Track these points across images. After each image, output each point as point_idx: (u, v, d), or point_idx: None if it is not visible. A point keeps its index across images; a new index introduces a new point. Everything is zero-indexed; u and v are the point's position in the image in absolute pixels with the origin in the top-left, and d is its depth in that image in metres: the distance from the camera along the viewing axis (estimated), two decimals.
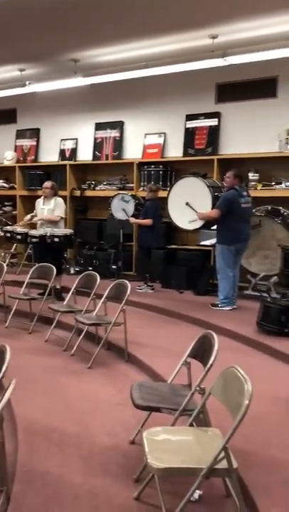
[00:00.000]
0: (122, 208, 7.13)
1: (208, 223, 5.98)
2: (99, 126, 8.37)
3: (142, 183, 7.60)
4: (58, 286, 6.08)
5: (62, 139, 8.82)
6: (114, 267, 7.37)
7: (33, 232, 6.41)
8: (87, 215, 8.62)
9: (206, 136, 7.30)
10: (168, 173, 7.50)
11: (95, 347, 4.48)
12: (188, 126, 7.46)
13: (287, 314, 4.69)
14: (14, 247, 8.35)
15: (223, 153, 7.14)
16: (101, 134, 8.35)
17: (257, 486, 2.40)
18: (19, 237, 6.71)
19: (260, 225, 6.22)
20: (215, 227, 5.96)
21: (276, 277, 6.09)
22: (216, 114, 7.22)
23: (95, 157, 8.41)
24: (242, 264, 6.18)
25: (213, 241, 6.22)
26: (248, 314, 5.26)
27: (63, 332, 5.15)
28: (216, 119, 7.22)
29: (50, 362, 4.46)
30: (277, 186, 6.51)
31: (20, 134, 9.35)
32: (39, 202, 6.73)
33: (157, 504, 2.27)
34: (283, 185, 6.46)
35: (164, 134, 7.72)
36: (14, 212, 9.09)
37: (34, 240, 6.32)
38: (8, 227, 7.17)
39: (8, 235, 6.89)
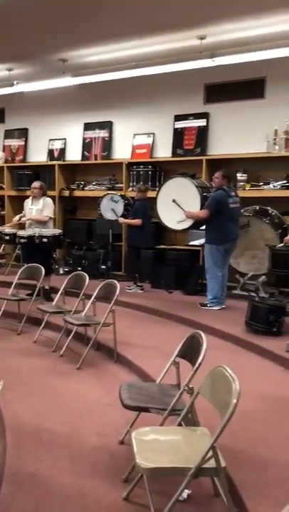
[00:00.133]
0: (111, 208, 7.12)
1: (196, 223, 6.00)
2: (88, 127, 8.36)
3: (131, 183, 7.61)
4: (46, 287, 6.06)
5: (50, 139, 8.79)
6: (103, 267, 7.36)
7: (21, 232, 6.38)
8: (76, 215, 8.60)
9: (195, 136, 7.32)
10: (157, 173, 7.51)
11: (84, 347, 4.48)
12: (176, 126, 7.48)
13: (275, 314, 4.72)
14: (2, 247, 8.30)
15: (211, 154, 7.17)
16: (90, 134, 8.34)
17: (245, 485, 2.41)
18: (7, 237, 6.67)
19: (249, 225, 6.25)
20: (204, 227, 5.98)
21: (264, 277, 6.13)
22: (204, 115, 7.25)
23: (83, 157, 8.39)
24: (231, 263, 6.22)
25: (201, 241, 6.24)
26: (237, 314, 5.29)
27: (52, 333, 5.14)
28: (205, 120, 7.24)
29: (39, 363, 4.44)
30: (266, 186, 6.56)
31: (9, 134, 9.30)
32: (27, 202, 6.70)
33: (146, 504, 2.27)
34: (271, 186, 6.51)
35: (153, 134, 7.73)
36: (2, 213, 9.04)
37: (22, 240, 6.29)
38: None
39: None
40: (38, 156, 8.95)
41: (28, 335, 5.22)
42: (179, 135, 7.45)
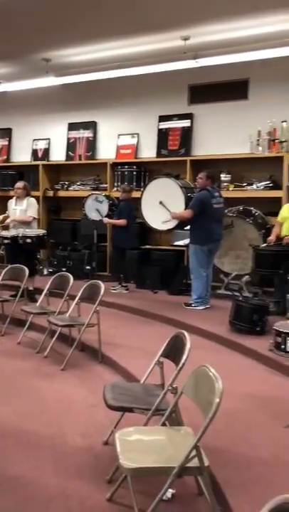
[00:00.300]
0: (95, 209, 7.10)
1: (181, 224, 6.02)
2: (72, 127, 8.33)
3: (116, 184, 7.60)
4: (30, 288, 6.02)
5: (34, 139, 8.73)
6: (88, 267, 7.34)
7: (4, 233, 6.33)
8: (61, 215, 8.56)
9: (179, 137, 7.35)
10: (141, 173, 7.52)
11: (69, 348, 4.46)
12: (161, 127, 7.50)
13: (258, 313, 4.76)
14: None
15: (195, 155, 7.20)
16: (74, 134, 8.31)
17: (229, 483, 2.43)
18: None
19: (232, 225, 6.30)
20: (188, 227, 6.01)
21: (248, 276, 6.18)
22: (188, 116, 7.28)
23: (68, 157, 8.36)
24: (215, 263, 6.25)
25: (186, 241, 6.27)
26: (221, 313, 5.32)
27: (36, 334, 5.11)
28: (189, 121, 7.27)
29: (23, 364, 4.41)
30: (249, 187, 6.61)
31: None
32: (11, 202, 6.65)
33: (130, 505, 2.27)
34: (254, 186, 6.56)
35: (138, 134, 7.73)
36: None
37: (6, 241, 6.23)
38: None
39: None
40: (21, 156, 8.88)
41: (11, 336, 5.18)
42: (163, 136, 7.47)
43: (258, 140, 6.58)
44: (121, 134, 7.85)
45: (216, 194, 5.86)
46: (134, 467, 1.99)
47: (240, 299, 5.07)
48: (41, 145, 8.68)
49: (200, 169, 6.17)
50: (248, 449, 2.79)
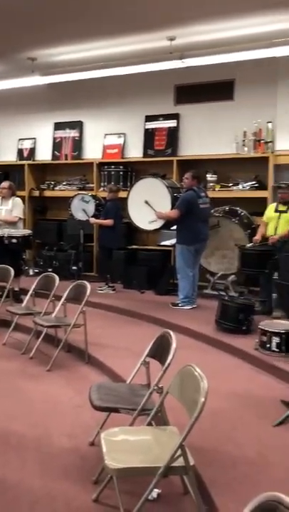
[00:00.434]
0: (82, 209, 7.07)
1: (167, 224, 6.03)
2: (58, 126, 8.29)
3: (102, 184, 7.58)
4: (16, 288, 5.97)
5: (20, 139, 8.66)
6: (74, 268, 7.30)
7: None
8: (47, 215, 8.51)
9: (166, 137, 7.36)
10: (128, 173, 7.51)
11: (55, 349, 4.43)
12: (147, 127, 7.50)
13: (244, 312, 4.79)
14: None
15: (182, 155, 7.21)
16: (60, 133, 8.27)
17: (214, 483, 2.44)
18: None
19: (219, 225, 6.32)
20: (174, 227, 6.02)
21: (234, 276, 6.21)
22: (175, 116, 7.29)
23: (54, 157, 8.31)
24: (201, 263, 6.27)
25: (173, 241, 6.28)
26: (208, 313, 5.33)
27: (22, 335, 5.07)
28: (175, 121, 7.29)
29: (9, 365, 4.38)
30: (235, 187, 6.64)
31: None
32: None
33: (116, 505, 2.26)
34: (240, 187, 6.60)
35: (124, 134, 7.72)
36: None
37: None
38: None
39: None
40: (7, 155, 8.81)
41: None
42: (149, 136, 7.47)
43: (244, 140, 6.62)
44: (107, 134, 7.84)
45: (202, 194, 5.88)
46: (120, 467, 1.98)
47: (226, 298, 5.09)
48: (27, 144, 8.62)
49: (186, 169, 6.18)
50: (234, 449, 2.80)
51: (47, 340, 4.73)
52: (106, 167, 7.59)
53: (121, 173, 7.47)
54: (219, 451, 2.76)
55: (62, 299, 4.63)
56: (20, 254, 6.74)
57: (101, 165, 7.67)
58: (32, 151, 8.56)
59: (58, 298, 4.73)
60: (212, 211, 6.26)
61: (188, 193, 5.78)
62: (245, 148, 6.61)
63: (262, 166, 6.40)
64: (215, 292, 6.15)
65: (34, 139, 8.55)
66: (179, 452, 1.99)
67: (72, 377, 4.09)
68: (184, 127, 7.26)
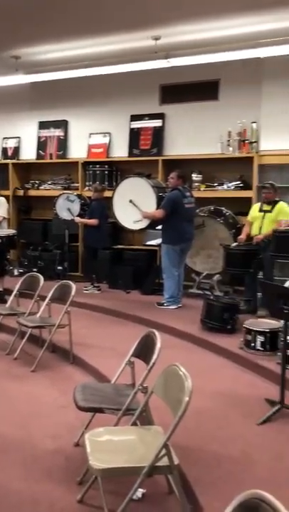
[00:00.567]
0: (67, 208, 7.04)
1: (153, 223, 6.03)
2: (42, 125, 8.23)
3: (87, 183, 7.55)
4: (0, 289, 5.91)
5: (4, 138, 8.59)
6: (59, 268, 7.26)
7: None
8: (31, 215, 8.44)
9: (151, 136, 7.36)
10: (113, 173, 7.49)
11: (39, 350, 4.40)
12: (132, 126, 7.49)
13: (229, 311, 4.81)
14: None
15: (167, 154, 7.22)
16: (45, 132, 8.21)
17: (199, 482, 2.44)
18: None
19: (204, 225, 6.34)
20: (160, 227, 6.02)
21: (218, 275, 6.24)
22: (160, 115, 7.29)
23: (38, 156, 8.25)
24: (187, 263, 6.29)
25: (158, 241, 6.28)
26: (193, 312, 5.34)
27: (6, 335, 5.02)
28: (161, 120, 7.29)
29: None
30: (220, 187, 6.67)
31: None
32: None
33: (101, 505, 2.25)
34: (225, 186, 6.63)
35: (109, 134, 7.70)
36: None
37: None
38: None
39: None
40: None
41: None
42: (135, 135, 7.47)
43: (229, 140, 6.65)
44: (92, 133, 7.81)
45: (188, 194, 5.90)
46: (104, 468, 1.97)
47: (211, 297, 5.11)
48: (11, 143, 8.54)
49: (172, 169, 6.19)
50: (219, 447, 2.81)
51: (31, 341, 4.69)
52: (91, 166, 7.56)
53: (106, 172, 7.45)
54: (204, 450, 2.76)
55: (47, 299, 4.59)
56: (5, 254, 6.69)
57: (86, 164, 7.64)
58: (16, 150, 8.48)
59: (43, 298, 4.69)
60: (197, 211, 6.27)
61: (173, 193, 5.78)
62: (230, 148, 6.64)
63: (246, 166, 6.44)
64: (200, 292, 6.16)
65: (18, 138, 8.48)
66: (164, 452, 1.98)
67: (57, 378, 4.06)
68: (169, 127, 7.27)
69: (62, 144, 8.06)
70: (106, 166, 7.49)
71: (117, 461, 2.04)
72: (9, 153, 8.53)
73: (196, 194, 6.24)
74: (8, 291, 5.56)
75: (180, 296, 5.92)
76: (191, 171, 6.74)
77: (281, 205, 5.45)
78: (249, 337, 4.20)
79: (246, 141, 6.55)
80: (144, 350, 2.71)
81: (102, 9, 5.18)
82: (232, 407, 3.36)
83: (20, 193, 8.17)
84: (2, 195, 6.59)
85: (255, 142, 6.52)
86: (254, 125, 6.53)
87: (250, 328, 4.22)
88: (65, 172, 7.91)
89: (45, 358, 4.36)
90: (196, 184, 6.75)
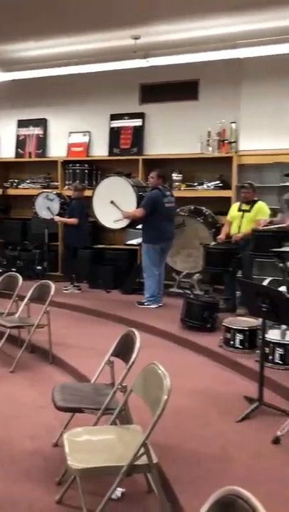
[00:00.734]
0: (46, 207, 6.99)
1: (133, 222, 6.03)
2: (21, 124, 8.15)
3: (67, 182, 7.51)
4: None
5: None
6: (39, 267, 7.20)
7: None
8: (10, 214, 8.35)
9: (131, 136, 7.35)
10: (93, 172, 7.47)
11: (18, 350, 4.34)
12: (113, 125, 7.47)
13: (208, 310, 4.84)
14: None
15: (147, 154, 7.22)
16: (24, 131, 8.13)
17: (178, 480, 2.45)
18: None
19: (184, 224, 6.37)
20: (140, 226, 6.02)
21: (198, 274, 6.27)
22: (140, 115, 7.29)
23: (17, 155, 8.17)
24: (167, 262, 6.30)
25: (139, 240, 6.28)
26: (174, 311, 5.36)
27: None
28: (141, 120, 7.29)
29: None
30: (200, 187, 6.71)
31: None
32: None
33: (80, 506, 2.24)
34: (205, 186, 6.67)
35: (89, 132, 7.67)
36: None
37: None
38: None
39: None
40: None
41: None
42: (115, 134, 7.45)
43: (208, 140, 6.69)
44: (72, 132, 7.76)
45: (168, 193, 5.91)
46: (82, 467, 1.96)
47: (191, 296, 5.13)
48: None
49: (152, 168, 6.20)
50: (198, 446, 2.82)
51: (10, 341, 4.63)
52: (71, 165, 7.52)
53: (86, 171, 7.42)
54: (183, 449, 2.77)
55: (26, 299, 4.55)
56: None
57: (66, 163, 7.59)
58: None
59: (22, 298, 4.64)
60: (177, 210, 6.30)
61: (153, 192, 5.79)
62: (210, 148, 6.69)
63: (226, 166, 6.49)
64: (180, 291, 6.19)
65: None
66: (142, 450, 1.98)
67: (36, 378, 4.03)
68: (150, 126, 7.27)
69: (42, 142, 7.99)
70: (86, 165, 7.46)
71: (95, 460, 2.03)
72: None
73: (176, 194, 6.26)
74: None
75: (160, 295, 5.94)
76: (171, 170, 6.76)
77: (260, 204, 5.51)
78: (228, 335, 4.24)
79: (225, 141, 6.60)
80: (124, 350, 2.70)
81: (81, 8, 5.16)
82: (211, 405, 3.38)
83: None
84: None
85: (234, 142, 6.57)
86: (233, 125, 6.58)
87: (230, 326, 4.25)
88: (44, 171, 7.85)
89: (24, 359, 4.31)
90: (176, 184, 6.77)
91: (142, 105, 7.29)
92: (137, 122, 7.31)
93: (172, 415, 2.76)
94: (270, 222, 5.05)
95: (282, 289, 3.76)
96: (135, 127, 7.32)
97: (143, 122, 7.28)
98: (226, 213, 5.91)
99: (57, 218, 6.81)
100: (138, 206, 5.84)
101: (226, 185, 6.53)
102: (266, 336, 3.58)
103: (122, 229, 6.29)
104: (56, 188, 7.55)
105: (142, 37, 5.93)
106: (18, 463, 2.71)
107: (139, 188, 6.04)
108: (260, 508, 1.15)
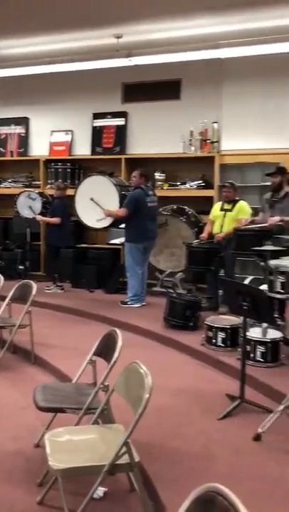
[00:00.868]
0: (28, 206, 6.93)
1: (116, 222, 6.02)
2: (3, 122, 8.06)
3: (49, 181, 7.46)
4: None
5: None
6: (21, 267, 7.13)
7: None
8: None
9: (114, 135, 7.34)
10: (76, 171, 7.43)
11: (0, 351, 4.30)
12: (95, 124, 7.45)
13: (191, 309, 4.86)
14: None
15: (130, 153, 7.22)
16: (5, 129, 8.05)
17: (161, 478, 2.46)
18: None
19: (167, 223, 6.39)
20: (123, 225, 6.02)
21: (181, 273, 6.29)
22: (122, 114, 7.28)
23: None
24: (150, 261, 6.31)
25: (122, 239, 6.27)
26: (157, 310, 5.37)
27: None
28: (123, 119, 7.28)
29: None
30: (182, 186, 6.73)
31: None
32: None
33: (61, 506, 2.23)
34: (188, 185, 6.69)
35: (72, 131, 7.63)
36: None
37: None
38: None
39: None
40: None
41: None
42: (97, 133, 7.43)
43: (191, 140, 6.72)
44: (54, 131, 7.71)
45: (150, 192, 5.92)
46: (63, 468, 1.96)
47: (174, 295, 5.15)
48: None
49: (135, 167, 6.19)
50: (180, 444, 2.83)
51: None
52: (53, 164, 7.48)
53: (68, 170, 7.38)
54: (165, 447, 2.78)
55: (7, 299, 4.50)
56: None
57: (48, 162, 7.54)
58: None
59: (3, 298, 4.59)
60: (160, 210, 6.31)
61: (136, 191, 5.79)
62: (192, 148, 6.71)
63: (208, 166, 6.52)
64: (163, 290, 6.21)
65: None
66: (124, 449, 1.98)
67: (18, 379, 3.99)
68: (132, 125, 7.27)
69: (24, 141, 7.93)
70: (68, 164, 7.42)
71: (77, 460, 2.03)
72: None
73: (158, 193, 6.26)
74: None
75: (144, 294, 5.94)
76: (154, 169, 6.77)
77: (241, 204, 5.55)
78: (210, 334, 4.26)
79: (208, 141, 6.63)
80: (106, 349, 2.70)
81: (64, 6, 5.13)
82: (194, 403, 3.40)
83: None
84: None
85: (216, 142, 6.61)
86: (215, 125, 6.62)
87: (212, 324, 4.28)
88: (26, 170, 7.78)
89: (6, 359, 4.27)
90: (159, 183, 6.78)
91: (124, 104, 7.28)
92: (120, 121, 7.30)
93: (155, 414, 2.77)
94: (252, 222, 5.09)
95: (264, 287, 3.80)
96: (118, 126, 7.31)
97: (126, 121, 7.28)
98: (208, 212, 5.94)
99: (39, 217, 6.77)
100: (121, 205, 5.83)
101: (209, 185, 6.56)
102: (247, 334, 3.61)
103: (105, 228, 6.27)
104: (38, 187, 7.49)
105: (125, 36, 5.93)
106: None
107: (121, 188, 6.03)
108: (238, 504, 1.16)
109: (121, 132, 7.29)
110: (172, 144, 6.81)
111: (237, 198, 5.61)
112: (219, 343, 4.20)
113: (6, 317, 4.50)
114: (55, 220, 6.53)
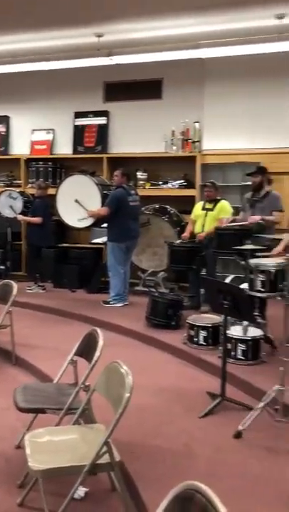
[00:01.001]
0: (9, 205, 6.86)
1: (98, 221, 6.00)
2: None
3: (31, 180, 7.40)
4: None
5: None
6: (2, 267, 7.06)
7: None
8: None
9: (95, 134, 7.32)
10: (57, 170, 7.39)
11: None
12: (77, 123, 7.41)
13: (173, 308, 4.88)
14: None
15: (112, 152, 7.21)
16: None
17: (142, 477, 2.46)
18: None
19: (149, 223, 6.39)
20: (105, 225, 6.00)
21: (163, 273, 6.31)
22: (104, 113, 7.26)
23: None
24: (133, 261, 6.31)
25: (104, 239, 6.25)
26: (139, 310, 5.37)
27: None
28: (105, 118, 7.26)
29: None
30: (164, 186, 6.75)
31: None
32: None
33: (42, 507, 2.21)
34: (170, 185, 6.71)
35: (53, 130, 7.58)
36: None
37: None
38: None
39: None
40: None
41: None
42: (79, 132, 7.39)
43: (172, 139, 6.74)
44: (35, 130, 7.65)
45: (132, 192, 5.92)
46: (43, 469, 1.94)
47: (156, 294, 5.15)
48: None
49: (117, 167, 6.19)
50: (162, 442, 2.84)
51: None
52: (34, 163, 7.42)
53: (50, 169, 7.33)
54: (147, 446, 2.78)
55: None
56: None
57: (29, 161, 7.48)
58: None
59: None
60: (142, 209, 6.31)
61: (118, 191, 5.78)
62: (174, 147, 6.73)
63: (190, 165, 6.55)
64: (146, 289, 6.21)
65: None
66: (105, 449, 1.98)
67: None
68: (114, 125, 7.26)
69: (4, 140, 7.85)
70: (50, 163, 7.38)
71: (57, 461, 2.02)
72: None
73: (140, 192, 6.27)
74: None
75: (126, 293, 5.93)
76: (135, 169, 6.77)
77: (222, 203, 5.59)
78: (192, 332, 4.28)
79: (189, 141, 6.66)
80: (87, 349, 2.69)
81: (44, 4, 5.09)
82: (175, 401, 3.41)
83: None
84: None
85: (197, 142, 6.65)
86: (197, 125, 6.65)
87: (193, 323, 4.30)
88: (6, 169, 7.71)
89: None
90: (141, 182, 6.79)
91: (106, 103, 7.27)
92: (102, 120, 7.28)
93: (136, 413, 2.77)
94: (233, 221, 5.13)
95: (244, 286, 3.83)
96: (100, 125, 7.29)
97: (107, 120, 7.26)
98: (190, 212, 5.96)
99: (20, 217, 6.70)
100: (102, 205, 5.82)
101: (190, 184, 6.59)
102: (228, 332, 3.63)
103: (87, 228, 6.25)
104: (19, 186, 7.43)
105: (106, 35, 5.92)
106: None
107: (103, 187, 6.02)
108: (216, 501, 1.17)
109: (103, 131, 7.27)
110: (154, 144, 6.82)
111: (218, 198, 5.64)
112: (201, 342, 4.22)
113: None
114: (37, 219, 6.48)
